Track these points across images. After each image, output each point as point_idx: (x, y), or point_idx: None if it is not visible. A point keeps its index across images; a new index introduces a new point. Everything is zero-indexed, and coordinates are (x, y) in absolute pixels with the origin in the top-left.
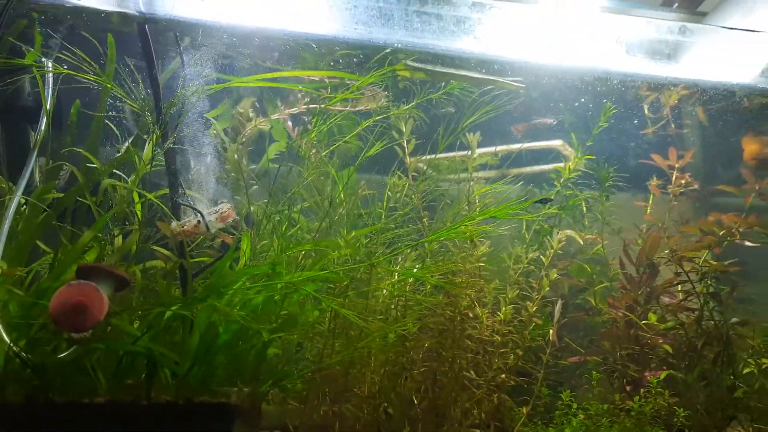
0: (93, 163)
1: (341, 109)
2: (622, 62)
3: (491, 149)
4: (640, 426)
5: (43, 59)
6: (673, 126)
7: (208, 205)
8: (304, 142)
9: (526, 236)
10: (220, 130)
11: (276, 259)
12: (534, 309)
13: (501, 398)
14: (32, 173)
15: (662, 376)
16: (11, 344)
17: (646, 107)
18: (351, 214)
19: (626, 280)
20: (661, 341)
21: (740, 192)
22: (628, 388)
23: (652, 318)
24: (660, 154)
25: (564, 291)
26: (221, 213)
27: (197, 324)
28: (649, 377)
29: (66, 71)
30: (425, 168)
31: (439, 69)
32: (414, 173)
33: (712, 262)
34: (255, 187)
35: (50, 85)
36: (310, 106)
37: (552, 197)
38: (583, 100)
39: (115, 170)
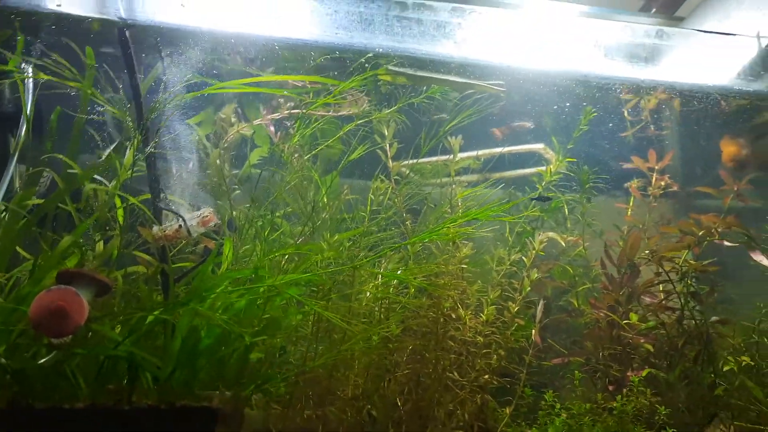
0: (73, 169)
1: (324, 114)
2: (601, 66)
3: (473, 153)
4: (622, 425)
5: (23, 65)
6: (652, 128)
7: (189, 210)
8: (286, 147)
9: (509, 238)
10: (202, 137)
11: (258, 263)
12: (516, 309)
13: (484, 399)
14: (12, 180)
15: (644, 374)
16: None
17: (626, 111)
18: (334, 218)
19: (608, 280)
20: (642, 341)
21: (719, 193)
22: (610, 387)
23: (634, 318)
24: (640, 157)
25: (547, 293)
26: (203, 217)
27: (179, 328)
28: (631, 376)
29: (46, 77)
30: (408, 172)
31: (420, 73)
32: (397, 177)
33: (692, 262)
34: (237, 192)
35: (30, 92)
36: (293, 111)
37: (551, 196)
38: (563, 103)
39: (96, 176)
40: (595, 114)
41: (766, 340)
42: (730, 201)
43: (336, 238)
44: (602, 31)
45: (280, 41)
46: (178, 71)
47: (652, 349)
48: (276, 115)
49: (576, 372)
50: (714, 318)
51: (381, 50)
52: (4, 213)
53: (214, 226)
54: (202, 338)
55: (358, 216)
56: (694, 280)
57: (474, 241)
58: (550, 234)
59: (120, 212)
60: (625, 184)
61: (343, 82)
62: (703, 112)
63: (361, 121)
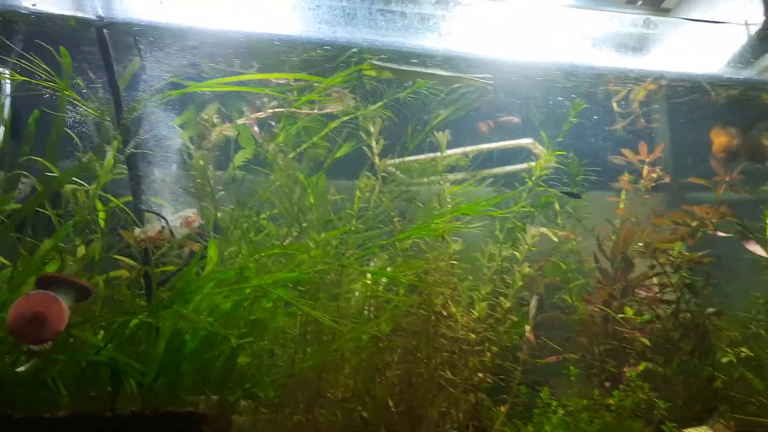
0: (52, 172)
1: (308, 111)
2: (588, 56)
3: (461, 150)
4: (620, 421)
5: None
6: (642, 121)
7: (172, 212)
8: (271, 146)
9: (500, 235)
10: (185, 138)
11: (244, 263)
12: (508, 305)
13: (478, 398)
14: None
15: (641, 368)
16: None
17: (614, 103)
18: (321, 219)
19: (601, 275)
20: (638, 335)
21: (711, 184)
22: (607, 383)
23: (629, 312)
24: (630, 150)
25: (540, 290)
26: (186, 218)
27: (163, 331)
28: (627, 372)
29: (22, 78)
30: (394, 171)
31: (405, 68)
32: (384, 174)
33: (686, 253)
34: (222, 193)
35: (6, 94)
36: (277, 110)
37: (580, 193)
38: (551, 97)
39: (75, 179)
40: (585, 107)
41: (763, 332)
42: (723, 191)
43: (323, 236)
44: (589, 21)
45: (263, 37)
46: (158, 70)
47: (648, 343)
48: (260, 114)
49: (572, 368)
50: (710, 310)
51: (365, 44)
52: None
53: (198, 227)
54: (186, 342)
55: (345, 215)
56: (688, 271)
57: (464, 238)
58: (542, 229)
59: (101, 215)
60: (617, 178)
61: (328, 79)
62: (692, 103)
63: (346, 118)
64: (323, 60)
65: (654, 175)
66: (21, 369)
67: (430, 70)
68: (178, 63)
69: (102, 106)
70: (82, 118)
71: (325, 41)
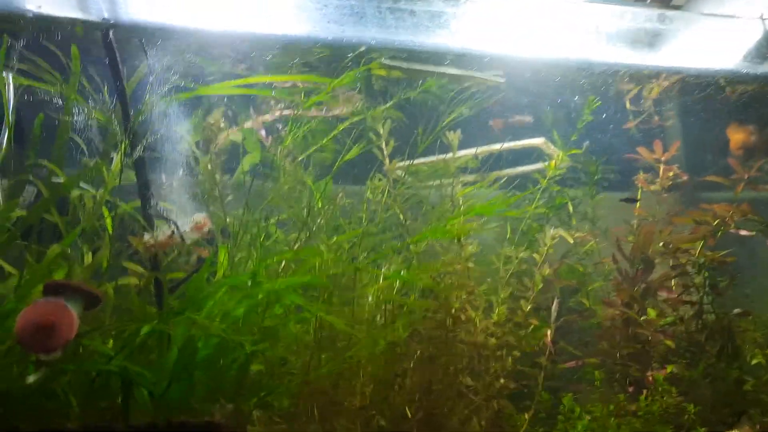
0: (58, 178)
1: (316, 114)
2: (602, 52)
3: (471, 151)
4: (648, 426)
5: (4, 72)
6: (656, 118)
7: (182, 217)
8: (278, 150)
9: (515, 237)
10: (191, 143)
11: (255, 268)
12: (529, 308)
13: (500, 404)
14: None
15: (668, 370)
16: None
17: (628, 101)
18: (330, 223)
19: (621, 276)
20: (661, 338)
21: (729, 182)
22: (630, 389)
23: (652, 313)
24: (644, 149)
25: (556, 293)
26: (196, 223)
27: (174, 339)
28: (652, 376)
29: (27, 82)
30: (404, 175)
31: (415, 67)
32: (395, 177)
33: (708, 253)
34: (230, 197)
35: (12, 98)
36: (284, 112)
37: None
38: (564, 95)
39: (82, 184)
40: (598, 104)
41: None
42: (742, 189)
43: (334, 240)
44: (602, 16)
45: (270, 38)
46: (164, 73)
47: (672, 346)
48: (266, 117)
49: (596, 372)
50: (737, 310)
51: (374, 43)
52: None
53: (208, 232)
54: (199, 349)
55: (355, 218)
56: (711, 271)
57: (479, 241)
58: (560, 231)
59: (108, 221)
60: (631, 178)
61: (336, 80)
62: (707, 100)
63: (355, 119)
64: (331, 60)
65: (671, 174)
66: (29, 379)
67: (440, 69)
68: (183, 65)
69: (108, 110)
70: (89, 122)
71: (333, 41)
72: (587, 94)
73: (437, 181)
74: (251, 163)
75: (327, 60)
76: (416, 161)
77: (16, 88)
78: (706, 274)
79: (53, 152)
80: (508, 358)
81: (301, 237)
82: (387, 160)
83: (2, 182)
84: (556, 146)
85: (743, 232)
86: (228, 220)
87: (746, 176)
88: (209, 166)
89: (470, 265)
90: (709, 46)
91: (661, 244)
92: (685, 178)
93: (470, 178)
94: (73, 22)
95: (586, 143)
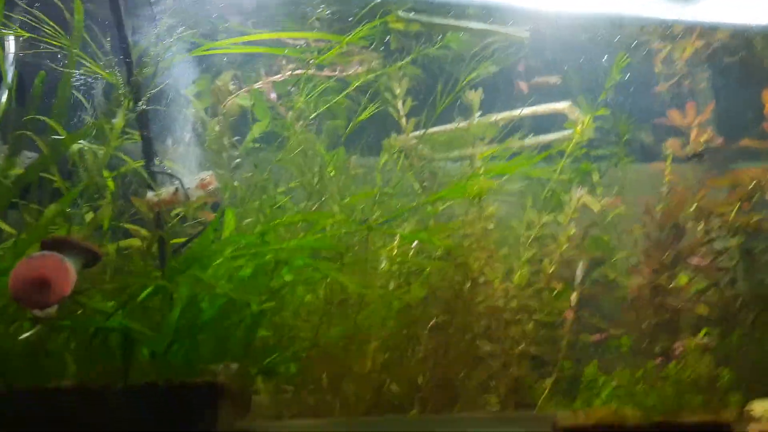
0: (59, 135)
1: (330, 74)
2: (634, 4)
3: (493, 116)
4: (679, 394)
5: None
6: (688, 81)
7: (187, 177)
8: (289, 115)
9: (536, 202)
10: (200, 109)
11: (264, 228)
12: (552, 270)
13: (520, 371)
14: None
15: (701, 334)
16: None
17: (659, 62)
18: (342, 192)
19: (650, 243)
20: (692, 306)
21: (766, 146)
22: (658, 360)
23: (683, 280)
24: (676, 112)
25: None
26: (201, 181)
27: (178, 298)
28: (682, 345)
29: (29, 35)
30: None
31: (435, 20)
32: (413, 140)
33: (743, 218)
34: (238, 160)
35: (12, 54)
36: (295, 71)
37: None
38: (594, 53)
39: (84, 143)
40: (628, 61)
41: None
42: None
43: (347, 200)
44: None
45: None
46: (172, 25)
47: (706, 312)
48: (276, 77)
49: (623, 338)
50: None
51: None
52: None
53: (214, 192)
54: (203, 309)
55: (369, 183)
56: (746, 237)
57: (500, 204)
58: (585, 196)
59: (110, 182)
60: (663, 143)
61: (349, 36)
62: (743, 62)
63: (371, 76)
64: (347, 15)
65: (703, 138)
66: (23, 336)
67: (461, 23)
68: (192, 23)
69: (113, 66)
70: (92, 78)
71: None
72: (617, 52)
73: (456, 152)
74: (261, 130)
75: (342, 16)
76: (433, 129)
77: (17, 42)
78: (741, 239)
79: (54, 108)
80: (529, 324)
81: (311, 205)
82: (404, 120)
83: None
84: (583, 111)
85: None
86: (236, 183)
87: None
88: (217, 128)
89: (490, 226)
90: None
91: (693, 208)
92: (719, 141)
93: (493, 149)
94: None
95: (614, 107)
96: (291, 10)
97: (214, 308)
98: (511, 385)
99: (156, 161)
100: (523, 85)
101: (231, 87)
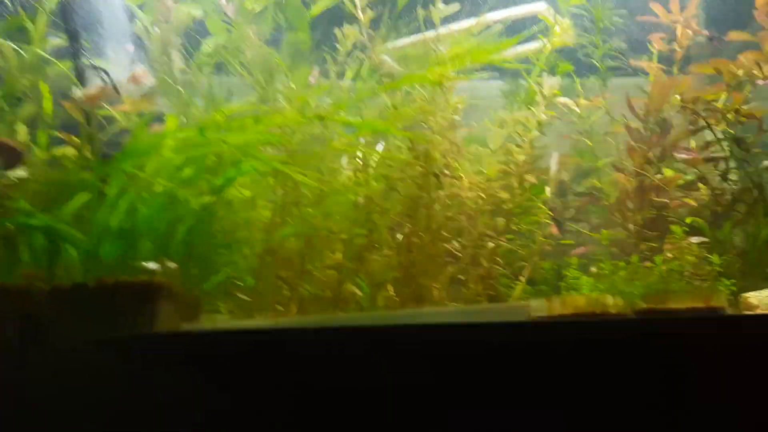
0: None
1: None
2: None
3: (463, 24)
4: (665, 283)
5: None
6: None
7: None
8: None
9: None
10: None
11: (206, 122)
12: (523, 159)
13: (491, 267)
14: None
15: (688, 221)
16: None
17: None
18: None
19: (633, 138)
20: (680, 201)
21: (758, 38)
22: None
23: (669, 173)
24: (658, 5)
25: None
26: (133, 75)
27: (108, 194)
28: (670, 243)
29: None
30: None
31: None
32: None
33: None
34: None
35: None
36: None
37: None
38: None
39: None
40: None
41: None
42: None
43: (298, 95)
44: None
45: None
46: None
47: (695, 204)
48: None
49: (604, 231)
50: (766, 162)
51: None
52: None
53: (150, 92)
54: (138, 208)
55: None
56: (737, 125)
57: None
58: (563, 99)
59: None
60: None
61: None
62: None
63: None
64: None
65: (690, 32)
66: None
67: None
68: None
69: None
70: None
71: None
72: None
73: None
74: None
75: None
76: (400, 42)
77: None
78: (732, 131)
79: None
80: (499, 218)
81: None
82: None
83: None
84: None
85: None
86: (180, 89)
87: None
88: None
89: (456, 117)
90: None
91: (678, 96)
92: (707, 33)
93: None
94: None
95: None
96: None
97: (151, 208)
98: (483, 284)
99: (82, 55)
100: None
101: None
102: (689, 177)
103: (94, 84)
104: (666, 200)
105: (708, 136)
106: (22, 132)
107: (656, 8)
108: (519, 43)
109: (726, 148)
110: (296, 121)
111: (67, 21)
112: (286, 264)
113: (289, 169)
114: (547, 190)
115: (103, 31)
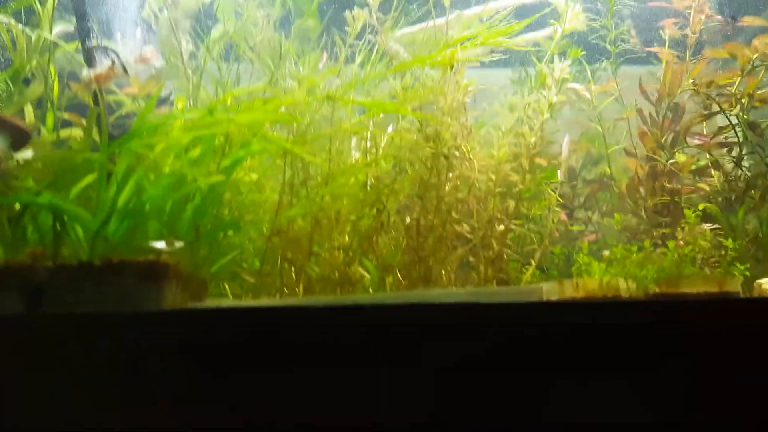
0: None
1: None
2: None
3: (475, 10)
4: (677, 267)
5: None
6: None
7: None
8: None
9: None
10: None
11: (214, 104)
12: (533, 139)
13: (501, 250)
14: None
15: (701, 207)
16: None
17: None
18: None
19: (644, 123)
20: (693, 186)
21: None
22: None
23: (681, 158)
24: None
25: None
26: (141, 55)
27: (115, 173)
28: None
29: None
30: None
31: None
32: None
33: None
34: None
35: None
36: None
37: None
38: None
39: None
40: None
41: None
42: None
43: (308, 76)
44: None
45: None
46: None
47: (708, 188)
48: None
49: (616, 215)
50: None
51: None
52: None
53: (158, 72)
54: (145, 188)
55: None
56: (750, 110)
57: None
58: (574, 85)
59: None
60: (659, 28)
61: None
62: None
63: None
64: None
65: (703, 16)
66: None
67: None
68: None
69: None
70: None
71: None
72: None
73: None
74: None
75: None
76: (407, 30)
77: None
78: (745, 116)
79: None
80: (510, 201)
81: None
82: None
83: None
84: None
85: None
86: (189, 72)
87: None
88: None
89: (467, 99)
90: None
91: (691, 81)
92: (720, 18)
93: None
94: None
95: None
96: None
97: (158, 188)
98: (492, 267)
99: (90, 35)
100: None
101: None
102: (702, 162)
103: (102, 64)
104: (678, 185)
105: (721, 121)
106: (29, 113)
107: None
108: (530, 29)
109: (740, 133)
110: (305, 102)
111: (77, 2)
112: (294, 245)
113: (297, 149)
114: (559, 173)
115: (112, 14)
